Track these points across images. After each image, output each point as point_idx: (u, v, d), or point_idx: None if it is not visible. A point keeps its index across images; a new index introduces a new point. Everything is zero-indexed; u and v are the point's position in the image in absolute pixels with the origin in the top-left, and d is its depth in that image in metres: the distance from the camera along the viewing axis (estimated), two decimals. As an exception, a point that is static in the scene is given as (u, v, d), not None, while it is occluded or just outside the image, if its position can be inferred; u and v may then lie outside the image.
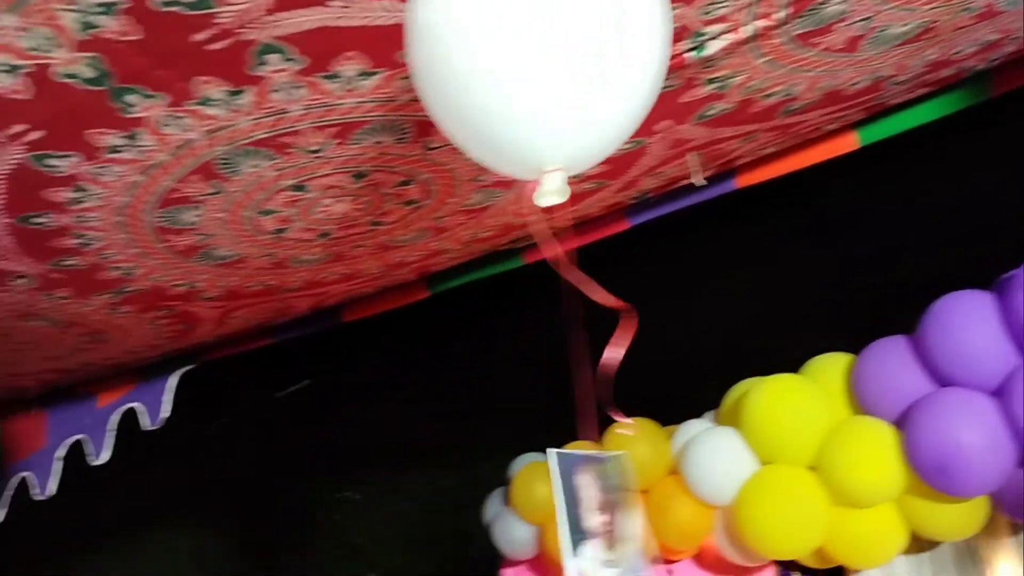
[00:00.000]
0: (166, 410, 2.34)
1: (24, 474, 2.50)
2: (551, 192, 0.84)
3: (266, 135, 1.28)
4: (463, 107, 0.83)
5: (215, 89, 1.16)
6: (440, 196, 1.56)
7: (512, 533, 2.38)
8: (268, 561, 6.16)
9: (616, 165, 1.59)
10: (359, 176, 1.44)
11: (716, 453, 1.84)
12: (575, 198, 1.29)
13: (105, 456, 2.39)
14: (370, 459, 6.18)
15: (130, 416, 2.41)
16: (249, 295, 1.85)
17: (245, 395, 3.29)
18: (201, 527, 5.73)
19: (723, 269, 2.38)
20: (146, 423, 2.34)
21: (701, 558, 2.02)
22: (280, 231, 1.57)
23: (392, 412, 6.03)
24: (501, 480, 6.86)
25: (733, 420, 1.85)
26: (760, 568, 1.95)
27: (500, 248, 1.95)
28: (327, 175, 1.41)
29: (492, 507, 2.58)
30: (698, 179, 1.69)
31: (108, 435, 2.38)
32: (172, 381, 2.33)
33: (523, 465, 2.41)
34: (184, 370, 2.33)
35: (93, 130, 1.22)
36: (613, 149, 0.88)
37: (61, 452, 2.46)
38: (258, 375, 2.99)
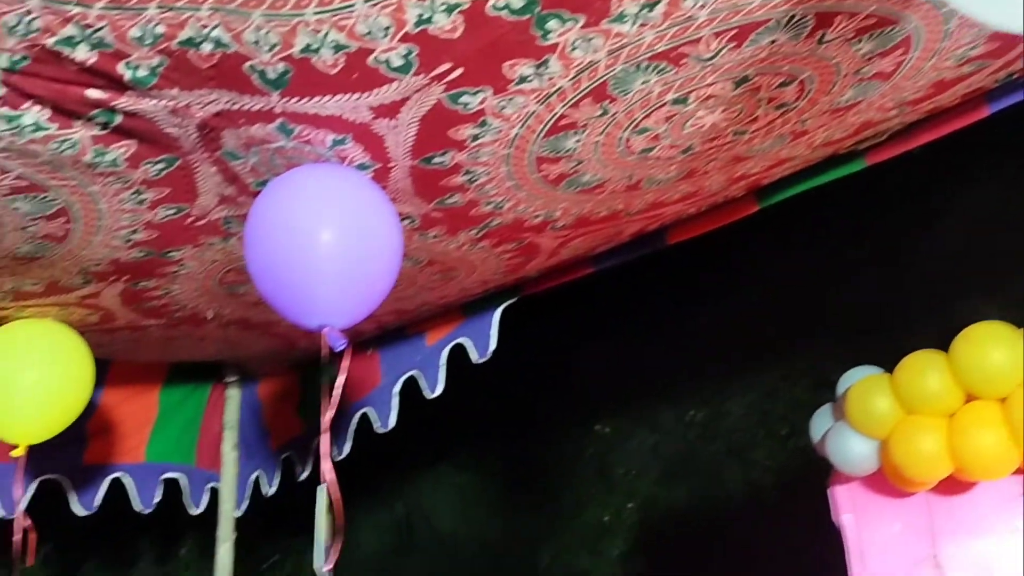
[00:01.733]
0: (493, 343, 2.46)
1: (365, 410, 2.74)
2: None
3: (666, 47, 1.28)
4: None
5: (632, 4, 1.17)
6: (814, 95, 1.51)
7: (848, 448, 2.32)
8: (531, 492, 6.45)
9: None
10: (740, 82, 1.42)
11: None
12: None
13: (439, 389, 2.57)
14: (621, 393, 6.28)
15: (456, 351, 2.58)
16: (594, 221, 1.90)
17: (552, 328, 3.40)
18: (478, 459, 6.09)
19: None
20: (475, 356, 2.48)
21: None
22: (647, 151, 1.59)
23: (639, 346, 6.07)
24: (750, 413, 6.72)
25: None
26: None
27: (842, 151, 1.87)
28: (710, 84, 1.40)
29: (820, 423, 2.51)
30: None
31: (440, 370, 2.55)
32: (496, 315, 2.45)
33: (857, 378, 2.33)
34: (507, 304, 2.44)
35: (509, 62, 1.27)
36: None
37: (397, 388, 2.67)
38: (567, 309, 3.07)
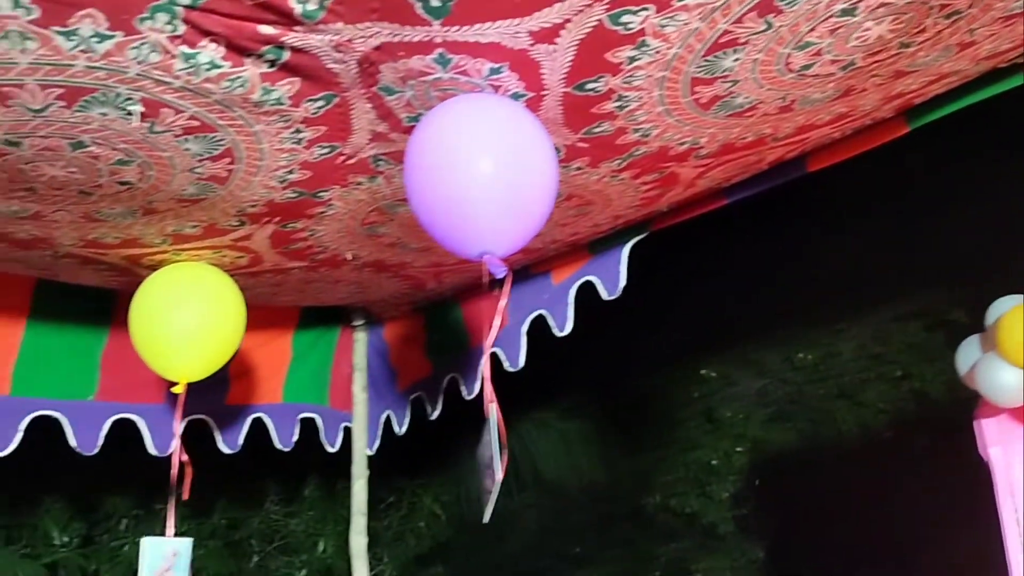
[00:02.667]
0: (622, 280, 2.45)
1: (493, 350, 2.77)
2: None
3: (842, -50, 1.23)
4: None
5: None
6: (988, 2, 1.43)
7: (998, 379, 2.24)
8: (636, 437, 6.47)
9: None
10: (914, -12, 1.35)
11: None
12: None
13: (568, 327, 2.58)
14: (727, 336, 6.19)
15: (584, 289, 2.58)
16: (738, 148, 1.85)
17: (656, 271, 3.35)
18: (582, 405, 6.13)
19: None
20: (605, 294, 2.47)
21: None
22: (806, 68, 1.53)
23: (744, 288, 5.96)
24: (861, 355, 6.51)
25: None
26: None
27: (1003, 65, 1.77)
28: (883, -9, 1.34)
29: (966, 354, 2.44)
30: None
31: (569, 307, 2.56)
32: (625, 252, 2.43)
33: (1007, 308, 2.24)
34: (635, 240, 2.42)
35: (675, -25, 1.24)
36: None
37: (525, 327, 2.69)
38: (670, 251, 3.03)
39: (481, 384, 2.82)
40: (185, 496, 2.36)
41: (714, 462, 5.92)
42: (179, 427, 2.28)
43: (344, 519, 4.86)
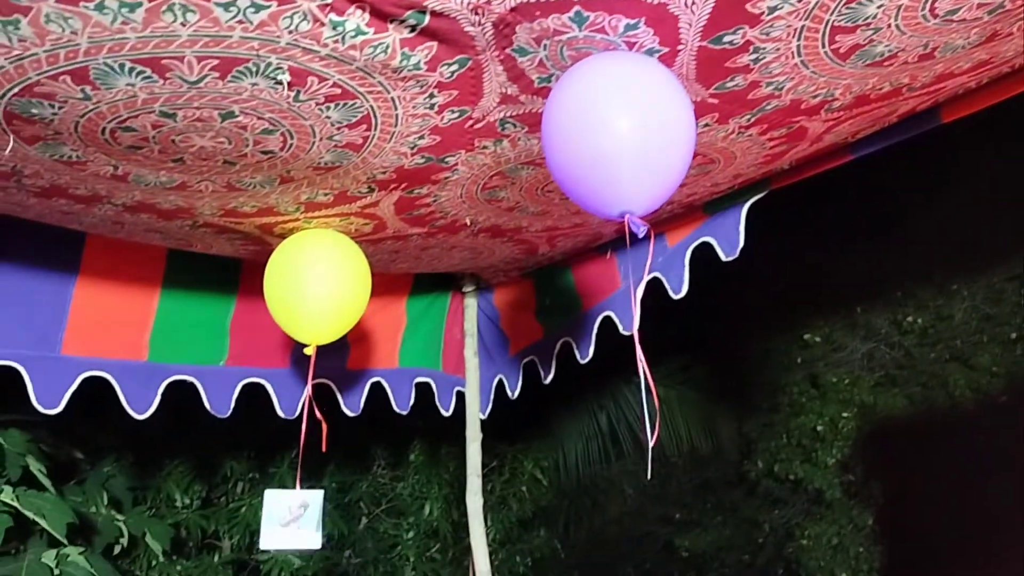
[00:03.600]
0: (741, 240, 2.41)
1: (607, 313, 2.78)
2: None
3: None
4: None
5: None
6: None
7: None
8: (738, 402, 6.38)
9: None
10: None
11: None
12: None
13: (684, 290, 2.56)
14: (833, 299, 6.03)
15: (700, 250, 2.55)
16: (873, 100, 1.80)
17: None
18: (683, 370, 6.09)
19: None
20: (724, 255, 2.44)
21: None
22: (951, 13, 1.47)
23: (850, 251, 5.78)
24: (973, 317, 6.23)
25: None
26: None
27: None
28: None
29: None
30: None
31: (685, 270, 2.54)
32: (744, 211, 2.39)
33: None
34: (756, 198, 2.37)
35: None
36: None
37: (641, 290, 2.68)
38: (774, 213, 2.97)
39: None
40: (324, 448, 2.44)
41: (819, 427, 5.81)
42: (310, 387, 2.37)
43: (448, 483, 4.99)
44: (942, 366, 5.90)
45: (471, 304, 3.20)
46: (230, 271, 2.67)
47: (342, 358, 2.89)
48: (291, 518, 2.27)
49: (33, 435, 2.93)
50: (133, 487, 4.02)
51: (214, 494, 4.49)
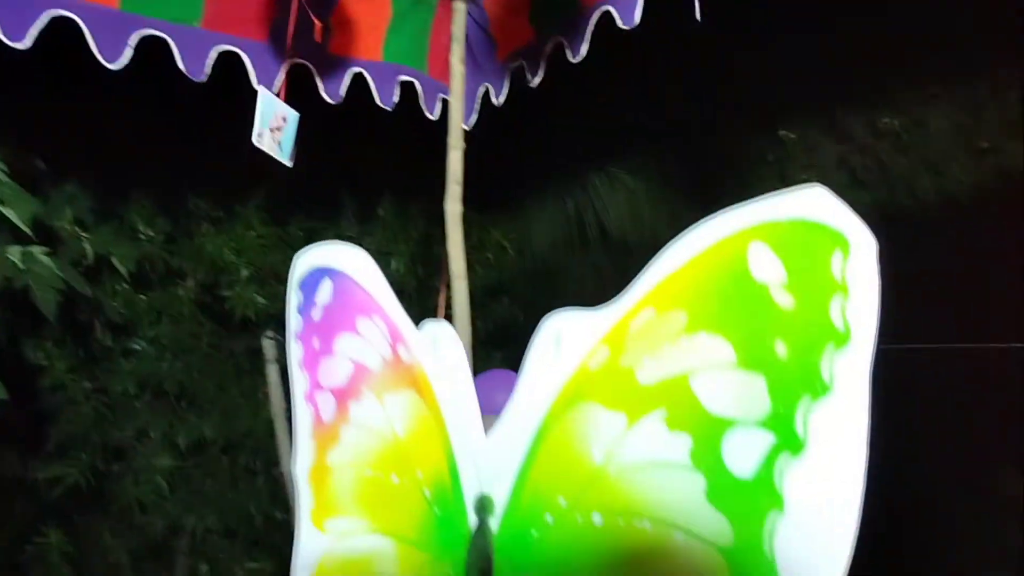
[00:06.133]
0: (639, 13, 2.32)
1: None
2: None
3: None
4: None
5: None
6: None
7: None
8: (707, 199, 6.38)
9: None
10: None
11: None
12: None
13: (583, 51, 2.61)
14: (808, 97, 5.96)
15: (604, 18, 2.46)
16: None
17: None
18: (653, 163, 6.03)
19: None
20: (621, 23, 2.36)
21: None
22: None
23: (830, 45, 5.65)
24: (950, 125, 6.18)
25: None
26: None
27: None
28: None
29: None
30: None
31: (587, 34, 2.50)
32: None
33: None
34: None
35: None
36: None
37: (549, 47, 2.64)
38: None
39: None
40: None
41: (786, 223, 5.82)
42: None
43: (416, 240, 4.96)
44: (912, 172, 5.91)
45: (460, 8, 3.01)
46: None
47: (324, 40, 2.73)
48: (275, 126, 2.21)
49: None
50: (96, 210, 3.91)
51: (177, 231, 4.39)
